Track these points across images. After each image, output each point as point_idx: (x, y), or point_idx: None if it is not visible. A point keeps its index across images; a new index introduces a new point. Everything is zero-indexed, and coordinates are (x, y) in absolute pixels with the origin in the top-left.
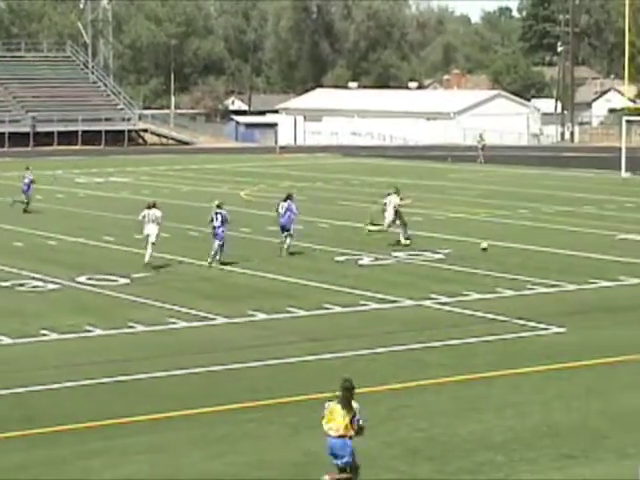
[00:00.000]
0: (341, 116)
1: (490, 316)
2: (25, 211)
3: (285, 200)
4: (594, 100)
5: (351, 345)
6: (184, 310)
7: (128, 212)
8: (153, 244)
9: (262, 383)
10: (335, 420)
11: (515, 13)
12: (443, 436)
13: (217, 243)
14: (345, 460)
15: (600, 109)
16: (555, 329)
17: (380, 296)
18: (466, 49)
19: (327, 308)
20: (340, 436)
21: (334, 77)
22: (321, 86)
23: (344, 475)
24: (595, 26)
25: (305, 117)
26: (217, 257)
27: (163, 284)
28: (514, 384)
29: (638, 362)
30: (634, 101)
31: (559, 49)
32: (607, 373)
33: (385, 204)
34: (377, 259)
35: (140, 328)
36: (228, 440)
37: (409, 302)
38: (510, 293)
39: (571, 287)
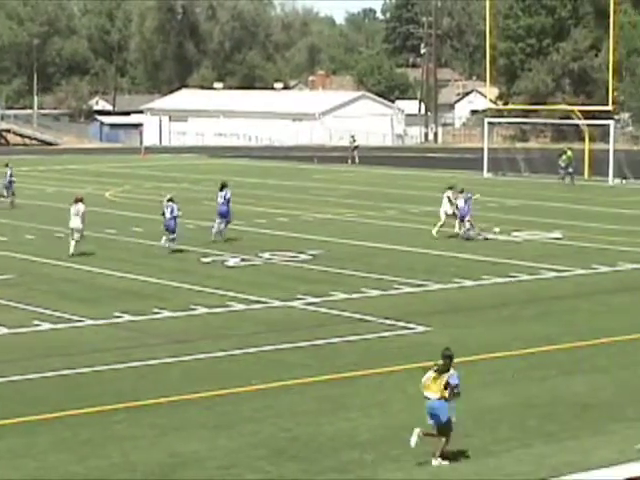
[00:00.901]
0: (207, 117)
1: (356, 316)
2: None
3: (221, 189)
4: (457, 101)
5: (217, 346)
6: (49, 312)
7: None
8: (81, 236)
9: (128, 385)
10: (433, 384)
11: (379, 15)
12: (308, 436)
13: (169, 235)
14: (441, 419)
15: (463, 110)
16: (420, 328)
17: (247, 297)
18: (331, 50)
19: (193, 309)
20: (438, 399)
21: (199, 77)
22: (186, 87)
23: (435, 433)
24: (457, 28)
25: (170, 118)
26: (170, 246)
27: (27, 285)
28: (379, 383)
29: (498, 360)
30: (496, 103)
31: (422, 51)
32: (470, 371)
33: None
34: (244, 260)
35: (4, 330)
36: (93, 443)
37: (276, 302)
38: (376, 293)
39: (436, 287)
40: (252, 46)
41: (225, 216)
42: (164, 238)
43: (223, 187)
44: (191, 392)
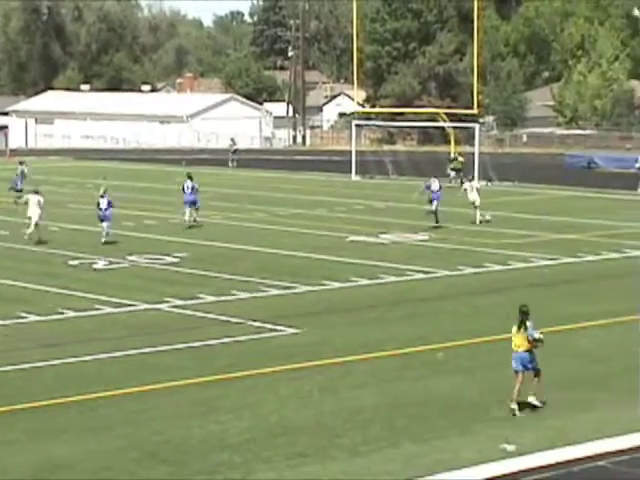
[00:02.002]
0: (73, 119)
1: (225, 318)
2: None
3: (189, 179)
4: (325, 104)
5: (86, 349)
6: None
7: None
8: (36, 224)
9: None
10: (518, 339)
11: (247, 18)
12: (180, 438)
13: (105, 224)
14: (533, 366)
15: (331, 113)
16: (289, 330)
17: (115, 300)
18: (199, 52)
19: (62, 313)
20: (525, 350)
21: (66, 79)
22: (52, 88)
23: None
24: (325, 31)
25: (36, 120)
26: (107, 237)
27: None
28: (250, 385)
29: (368, 361)
30: (363, 105)
31: (290, 54)
32: (339, 372)
33: (466, 190)
34: (112, 263)
35: None
36: None
37: (144, 306)
38: (245, 295)
39: (305, 288)
40: (119, 48)
41: (194, 203)
42: (105, 227)
43: (189, 178)
44: (63, 396)
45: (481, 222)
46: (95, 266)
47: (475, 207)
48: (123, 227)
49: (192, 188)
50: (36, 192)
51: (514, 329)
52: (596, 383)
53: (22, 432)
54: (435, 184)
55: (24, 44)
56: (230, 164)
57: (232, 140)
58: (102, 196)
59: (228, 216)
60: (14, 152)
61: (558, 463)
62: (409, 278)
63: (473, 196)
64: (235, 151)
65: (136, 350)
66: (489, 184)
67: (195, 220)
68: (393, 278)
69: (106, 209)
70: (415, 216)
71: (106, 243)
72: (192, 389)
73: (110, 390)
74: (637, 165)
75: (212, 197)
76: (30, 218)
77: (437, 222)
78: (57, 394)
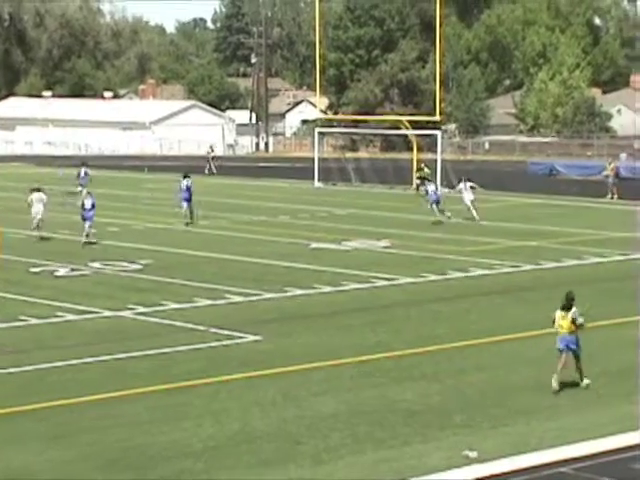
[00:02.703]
0: (35, 125)
1: (188, 325)
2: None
3: (185, 178)
4: (287, 111)
5: (48, 357)
6: None
7: None
8: (41, 220)
9: None
10: (562, 322)
11: (210, 24)
12: (143, 445)
13: (87, 224)
14: (575, 349)
15: (293, 120)
16: (251, 337)
17: (77, 307)
18: (161, 59)
19: (23, 320)
20: (570, 332)
21: (27, 86)
22: (14, 95)
23: (564, 363)
24: (287, 39)
25: None
26: (88, 237)
27: None
28: (213, 392)
29: (331, 368)
30: (326, 112)
31: (253, 61)
32: (302, 380)
33: (460, 190)
34: (74, 270)
35: None
36: None
37: (107, 313)
38: (207, 302)
39: (267, 295)
40: (81, 54)
41: (189, 200)
42: (87, 227)
43: (185, 177)
44: (24, 404)
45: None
46: (57, 273)
47: (472, 206)
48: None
49: (186, 186)
50: (38, 190)
51: (559, 313)
52: (560, 389)
53: None
54: (431, 186)
55: None
56: (207, 171)
57: (210, 147)
58: (89, 193)
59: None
60: None
61: (520, 469)
62: (371, 285)
63: (469, 195)
64: (213, 158)
65: (98, 357)
66: (451, 191)
67: (193, 216)
68: (355, 285)
69: (90, 209)
70: (377, 223)
71: (87, 243)
72: (154, 396)
73: (71, 398)
74: (604, 173)
75: (175, 204)
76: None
77: (442, 214)
78: (17, 402)
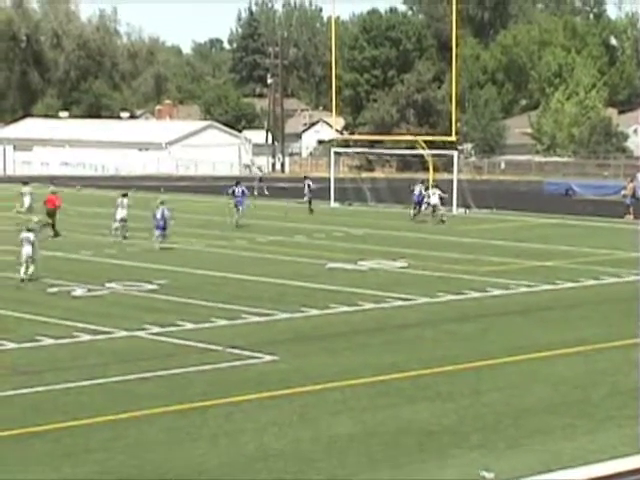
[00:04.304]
0: (52, 146)
1: (204, 346)
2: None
3: (236, 185)
4: (304, 131)
5: (62, 377)
6: None
7: None
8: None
9: None
10: None
11: (226, 45)
12: (157, 465)
13: (157, 232)
14: None
15: (309, 140)
16: (267, 357)
17: (93, 327)
18: (178, 79)
19: (38, 340)
20: None
21: (44, 106)
22: (31, 115)
23: None
24: (303, 59)
25: (15, 147)
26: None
27: None
28: (228, 413)
29: (347, 388)
30: (342, 133)
31: (269, 81)
32: (317, 400)
33: (428, 195)
34: (90, 290)
35: None
36: None
37: (123, 333)
38: (224, 322)
39: (283, 316)
40: (98, 75)
41: (240, 205)
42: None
43: (237, 183)
44: (36, 425)
45: (443, 221)
46: (74, 293)
47: (434, 210)
48: (104, 254)
49: (241, 192)
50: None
51: None
52: (576, 410)
53: None
54: (417, 189)
55: (2, 71)
56: (256, 192)
57: (259, 168)
58: (161, 204)
59: (208, 243)
60: None
61: None
62: (388, 305)
63: (434, 199)
64: (261, 179)
65: (113, 378)
66: (467, 211)
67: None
68: (372, 305)
69: (160, 219)
70: (394, 243)
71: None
72: (169, 417)
73: (85, 418)
74: (623, 192)
75: (190, 224)
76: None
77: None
78: (30, 423)
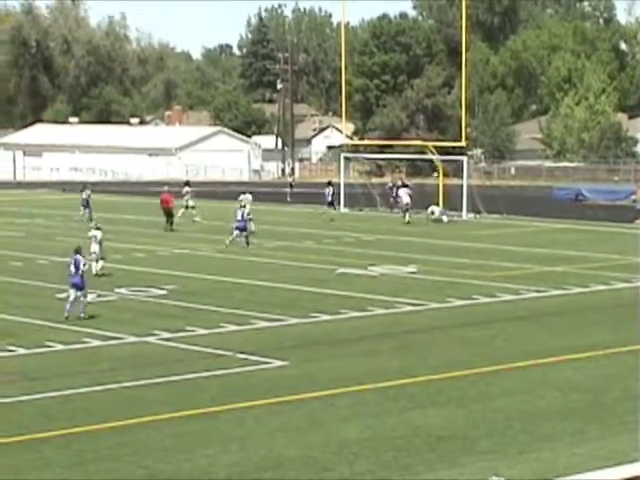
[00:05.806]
0: (62, 151)
1: (214, 351)
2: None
3: (242, 207)
4: (313, 137)
5: (71, 383)
6: None
7: None
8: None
9: None
10: None
11: (235, 50)
12: (167, 472)
13: (235, 233)
14: None
15: (319, 145)
16: (277, 363)
17: (102, 333)
18: (187, 85)
19: (49, 346)
20: None
21: (54, 112)
22: (41, 121)
23: None
24: (313, 64)
25: (25, 152)
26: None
27: None
28: (238, 418)
29: (356, 394)
30: (351, 138)
31: (279, 86)
32: (327, 405)
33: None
34: (100, 296)
35: None
36: None
37: (132, 339)
38: (234, 328)
39: (293, 321)
40: (108, 81)
41: (244, 230)
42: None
43: (243, 205)
44: (46, 430)
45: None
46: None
47: (406, 209)
48: (112, 260)
49: (244, 215)
50: (98, 228)
51: None
52: (586, 415)
53: (1, 468)
54: (401, 191)
55: (12, 77)
56: (289, 198)
57: (291, 169)
58: (242, 207)
59: (216, 248)
60: (2, 185)
61: None
62: (398, 310)
63: (406, 199)
64: (291, 185)
65: (122, 383)
66: (477, 216)
67: (246, 244)
68: (382, 310)
69: (240, 220)
70: (404, 248)
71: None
72: (179, 422)
73: (95, 424)
74: (633, 197)
75: (199, 229)
76: (94, 253)
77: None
78: (39, 428)
